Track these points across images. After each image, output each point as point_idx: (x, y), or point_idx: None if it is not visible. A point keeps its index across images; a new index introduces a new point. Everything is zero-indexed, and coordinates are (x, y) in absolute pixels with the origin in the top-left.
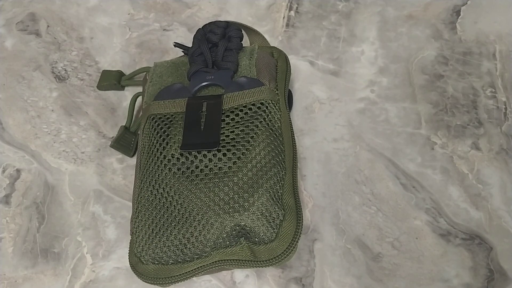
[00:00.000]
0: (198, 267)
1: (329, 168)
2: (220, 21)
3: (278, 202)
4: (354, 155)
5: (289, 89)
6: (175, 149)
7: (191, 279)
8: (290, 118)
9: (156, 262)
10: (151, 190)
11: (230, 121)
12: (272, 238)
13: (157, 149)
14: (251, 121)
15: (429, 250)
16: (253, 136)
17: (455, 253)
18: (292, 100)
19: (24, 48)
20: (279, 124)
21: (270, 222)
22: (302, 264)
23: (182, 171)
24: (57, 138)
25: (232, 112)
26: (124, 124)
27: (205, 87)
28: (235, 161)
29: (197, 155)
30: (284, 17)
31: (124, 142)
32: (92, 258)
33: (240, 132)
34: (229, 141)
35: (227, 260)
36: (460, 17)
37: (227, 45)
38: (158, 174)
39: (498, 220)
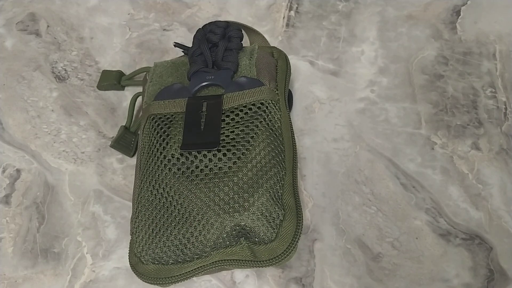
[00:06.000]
0: (198, 267)
1: (329, 168)
2: (220, 21)
3: (278, 202)
4: (354, 155)
5: (289, 89)
6: (175, 149)
7: (191, 279)
8: (290, 118)
9: (156, 262)
10: (151, 190)
11: (230, 121)
12: (272, 238)
13: (157, 149)
14: (251, 121)
15: (429, 250)
16: (253, 136)
17: (455, 253)
18: (292, 100)
19: (24, 48)
20: (279, 124)
21: (270, 222)
22: (302, 264)
23: (182, 171)
24: (57, 138)
25: (232, 112)
26: (124, 124)
27: (205, 87)
28: (235, 161)
29: (197, 155)
30: (284, 17)
31: (124, 142)
32: (92, 258)
33: (240, 132)
34: (229, 141)
35: (227, 260)
36: (460, 17)
37: (227, 45)
38: (158, 174)
39: (498, 220)
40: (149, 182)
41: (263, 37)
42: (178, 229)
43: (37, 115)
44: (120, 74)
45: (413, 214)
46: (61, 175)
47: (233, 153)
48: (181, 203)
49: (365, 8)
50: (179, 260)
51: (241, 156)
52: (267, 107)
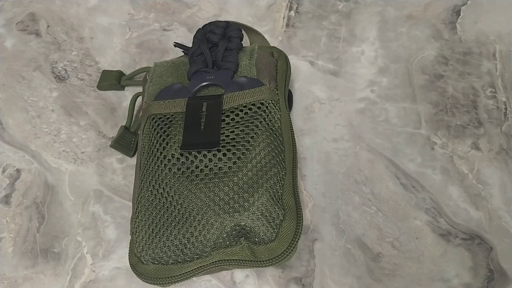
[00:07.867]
0: (198, 267)
1: (329, 168)
2: (220, 21)
3: (278, 202)
4: (354, 155)
5: (289, 89)
6: (175, 149)
7: (191, 279)
8: (290, 118)
9: (156, 262)
10: (151, 190)
11: (230, 121)
12: (272, 238)
13: (157, 149)
14: (251, 121)
15: (429, 250)
16: (253, 136)
17: (455, 253)
18: (292, 100)
19: (24, 48)
20: (279, 124)
21: (270, 222)
22: (302, 264)
23: (182, 171)
24: (57, 138)
25: (232, 112)
26: (124, 124)
27: (205, 87)
28: (235, 161)
29: (197, 155)
30: (284, 17)
31: (124, 142)
32: (92, 258)
33: (240, 132)
34: (229, 141)
35: (227, 260)
36: (460, 17)
37: (227, 45)
38: (158, 174)
39: (498, 220)
40: (149, 182)
41: (263, 37)
42: (178, 229)
43: (37, 115)
44: (120, 74)
45: (413, 214)
46: (61, 175)
47: (233, 153)
48: (181, 203)
49: (365, 8)
50: (179, 260)
51: (241, 156)
52: (267, 107)
